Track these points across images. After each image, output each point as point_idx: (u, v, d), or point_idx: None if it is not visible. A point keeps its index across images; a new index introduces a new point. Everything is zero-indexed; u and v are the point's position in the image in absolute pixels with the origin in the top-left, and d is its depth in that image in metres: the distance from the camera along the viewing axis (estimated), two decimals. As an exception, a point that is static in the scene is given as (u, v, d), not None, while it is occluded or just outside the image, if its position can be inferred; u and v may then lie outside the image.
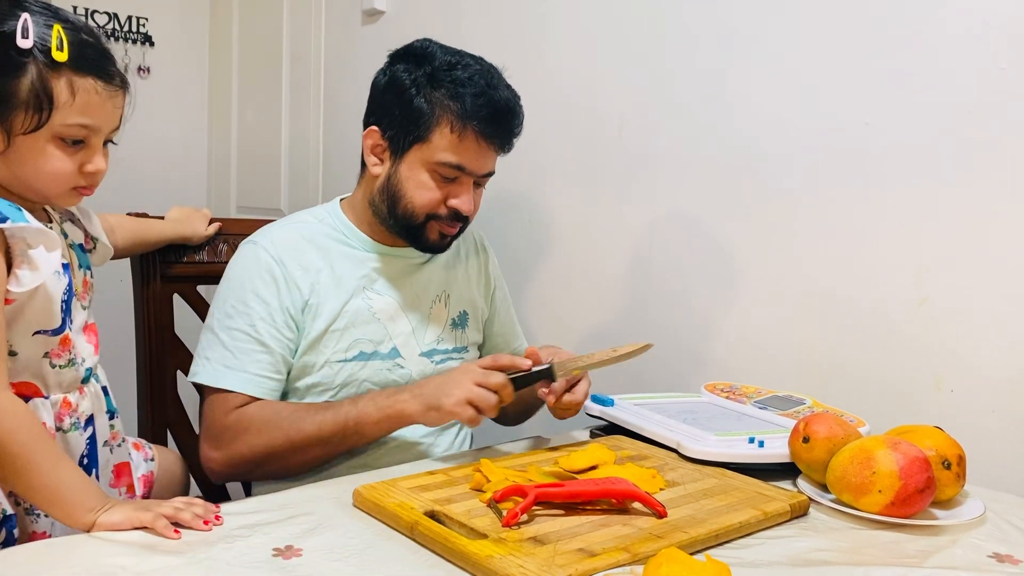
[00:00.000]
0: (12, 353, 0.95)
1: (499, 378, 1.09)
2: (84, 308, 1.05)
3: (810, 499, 1.00)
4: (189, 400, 1.46)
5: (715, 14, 1.50)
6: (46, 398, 0.99)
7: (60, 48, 0.89)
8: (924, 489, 0.93)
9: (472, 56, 1.25)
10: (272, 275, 1.21)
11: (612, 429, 1.28)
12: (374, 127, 1.25)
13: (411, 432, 1.26)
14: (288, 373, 1.23)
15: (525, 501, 0.87)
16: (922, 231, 1.26)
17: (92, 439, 1.05)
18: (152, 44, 2.81)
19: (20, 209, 0.92)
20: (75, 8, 2.62)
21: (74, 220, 1.10)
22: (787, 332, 1.42)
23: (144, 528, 0.84)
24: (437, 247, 1.30)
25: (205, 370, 1.19)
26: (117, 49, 2.72)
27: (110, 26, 2.70)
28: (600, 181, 1.69)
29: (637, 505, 0.92)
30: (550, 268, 1.80)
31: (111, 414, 1.09)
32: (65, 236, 1.04)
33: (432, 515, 0.87)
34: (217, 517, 0.87)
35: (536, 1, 1.79)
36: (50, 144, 0.92)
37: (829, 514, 0.98)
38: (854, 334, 1.34)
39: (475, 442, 1.43)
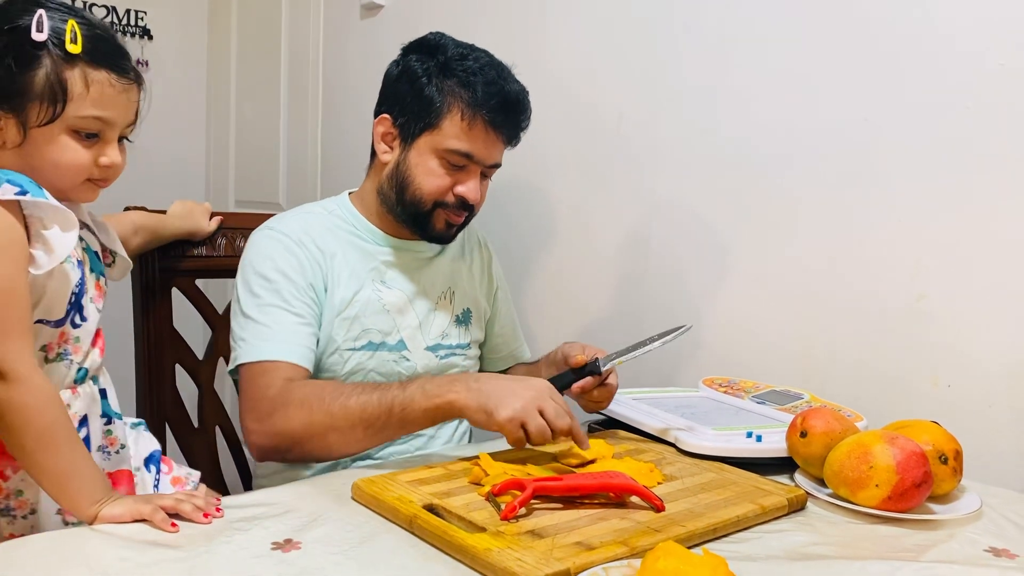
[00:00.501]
0: None
1: (564, 418, 1.04)
2: (99, 311, 1.04)
3: (807, 493, 1.00)
4: (187, 394, 1.46)
5: (714, 9, 1.50)
6: None
7: (74, 41, 0.91)
8: (921, 484, 0.93)
9: (482, 50, 1.28)
10: (293, 254, 1.22)
11: (610, 423, 1.28)
12: (385, 115, 1.28)
13: None
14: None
15: (523, 495, 0.87)
16: (920, 227, 1.26)
17: (86, 441, 1.03)
18: (151, 38, 2.81)
19: (40, 187, 0.93)
20: (72, 2, 2.62)
21: (90, 229, 1.09)
22: (785, 327, 1.43)
23: (144, 520, 0.84)
24: (443, 237, 1.31)
25: (243, 350, 1.17)
26: (115, 42, 2.72)
27: (108, 19, 2.70)
28: (599, 174, 1.69)
29: (635, 499, 0.92)
30: (548, 262, 1.80)
31: (108, 418, 1.07)
32: (81, 240, 1.04)
33: (431, 508, 0.87)
34: (218, 509, 0.88)
35: (535, -5, 1.79)
36: (65, 136, 0.93)
37: (826, 508, 0.98)
38: (852, 329, 1.34)
39: (474, 437, 1.43)
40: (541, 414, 1.02)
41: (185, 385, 1.45)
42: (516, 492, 0.89)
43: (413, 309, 1.31)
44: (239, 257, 1.46)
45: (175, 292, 1.43)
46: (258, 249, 1.24)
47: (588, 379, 1.18)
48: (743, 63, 1.46)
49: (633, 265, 1.65)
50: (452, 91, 1.22)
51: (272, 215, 1.34)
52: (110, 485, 0.92)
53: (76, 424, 1.01)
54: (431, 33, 1.30)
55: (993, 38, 1.18)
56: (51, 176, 0.95)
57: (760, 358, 1.46)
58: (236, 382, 1.21)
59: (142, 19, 2.79)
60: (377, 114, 1.30)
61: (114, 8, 2.72)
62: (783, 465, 1.09)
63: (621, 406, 1.27)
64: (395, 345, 1.29)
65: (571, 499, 0.91)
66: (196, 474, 1.18)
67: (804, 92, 1.39)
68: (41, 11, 0.91)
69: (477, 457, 1.01)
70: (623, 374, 1.55)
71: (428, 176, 1.24)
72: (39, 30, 0.90)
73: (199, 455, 1.44)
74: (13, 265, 0.89)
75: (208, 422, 1.47)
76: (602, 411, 1.27)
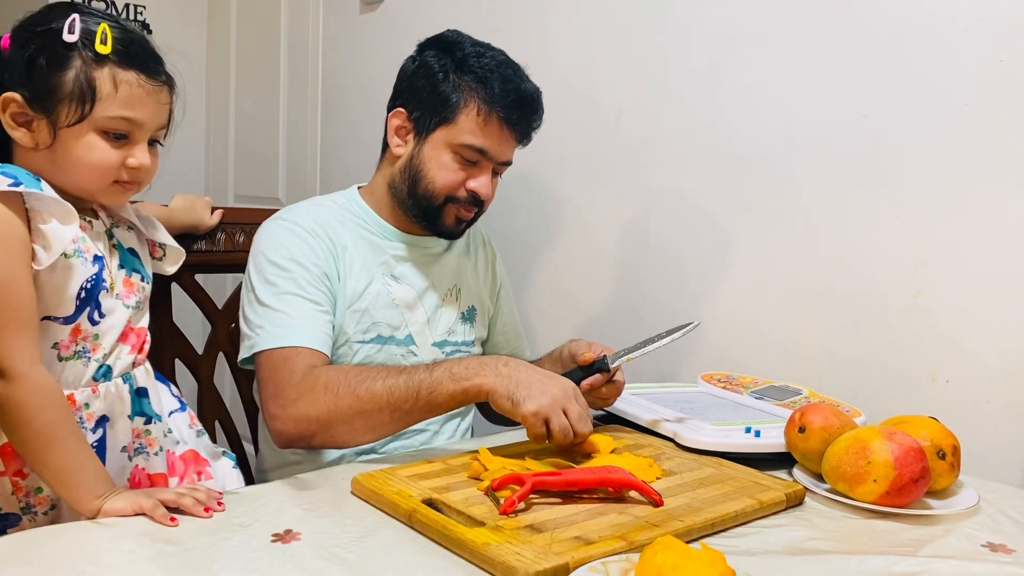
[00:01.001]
0: None
1: (587, 422, 1.06)
2: (127, 307, 1.03)
3: (806, 488, 1.00)
4: (187, 389, 1.46)
5: (714, 5, 1.50)
6: None
7: (104, 42, 0.92)
8: (919, 479, 0.93)
9: (498, 48, 1.29)
10: (307, 243, 1.23)
11: (609, 419, 1.28)
12: (400, 109, 1.29)
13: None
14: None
15: (522, 489, 0.87)
16: (918, 223, 1.27)
17: (100, 442, 1.01)
18: (149, 32, 2.80)
19: (38, 179, 0.93)
20: (107, 8, 2.62)
21: (134, 227, 1.10)
22: (784, 323, 1.43)
23: (144, 514, 0.85)
24: (452, 232, 1.32)
25: (262, 338, 1.16)
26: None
27: (107, 14, 2.69)
28: (599, 170, 1.69)
29: (634, 494, 0.92)
30: (547, 258, 1.80)
31: (148, 418, 1.06)
32: (110, 237, 1.04)
33: (430, 503, 0.87)
34: (219, 503, 0.88)
35: (535, -9, 1.79)
36: (93, 135, 0.94)
37: (824, 503, 0.98)
38: (851, 325, 1.34)
39: (476, 433, 1.43)
40: (565, 414, 1.03)
41: (185, 380, 1.45)
42: (515, 487, 0.89)
43: (422, 305, 1.32)
44: (238, 252, 1.47)
45: (174, 287, 1.43)
46: (271, 238, 1.24)
47: (597, 376, 1.18)
48: (743, 59, 1.46)
49: (633, 261, 1.65)
50: (469, 87, 1.23)
51: (272, 210, 1.35)
52: (111, 479, 0.92)
53: (93, 424, 1.00)
54: (448, 30, 1.31)
55: (993, 34, 1.18)
56: (79, 177, 0.96)
57: (759, 354, 1.47)
58: (248, 371, 1.21)
59: (141, 13, 2.79)
60: (391, 108, 1.31)
61: (112, 2, 2.71)
62: (781, 460, 1.09)
63: (620, 401, 1.27)
64: (403, 340, 1.29)
65: (570, 494, 0.92)
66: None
67: (804, 88, 1.39)
68: (75, 15, 0.93)
69: (476, 452, 1.01)
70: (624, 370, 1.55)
71: (441, 170, 1.25)
72: (71, 32, 0.92)
73: (199, 450, 1.44)
74: (10, 258, 0.89)
75: (208, 417, 1.47)
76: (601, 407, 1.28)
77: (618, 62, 1.65)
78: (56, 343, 0.96)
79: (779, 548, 0.85)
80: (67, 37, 0.92)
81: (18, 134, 0.94)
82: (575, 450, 1.08)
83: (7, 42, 0.95)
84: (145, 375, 1.07)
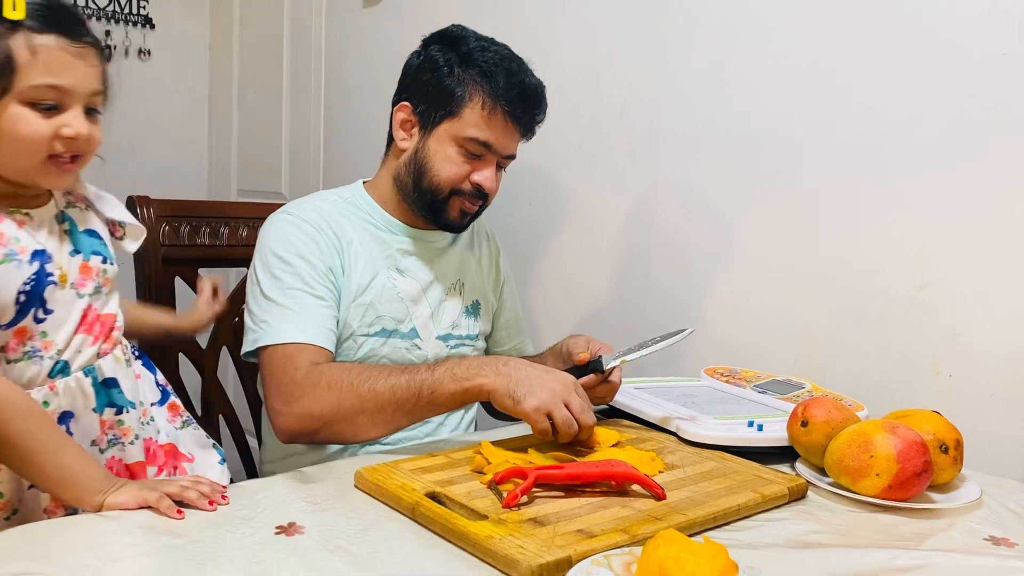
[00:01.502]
0: None
1: (590, 413, 1.07)
2: (83, 296, 0.98)
3: (808, 482, 1.00)
4: (190, 382, 1.46)
5: (717, -2, 1.50)
6: None
7: (14, 8, 0.86)
8: (921, 473, 0.93)
9: (502, 43, 1.30)
10: (312, 238, 1.23)
11: (612, 412, 1.29)
12: (405, 103, 1.29)
13: None
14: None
15: (525, 483, 0.87)
16: (921, 217, 1.27)
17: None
18: (152, 26, 2.80)
19: None
20: None
21: (91, 207, 1.04)
22: (787, 316, 1.43)
23: (150, 507, 0.85)
24: (457, 225, 1.32)
25: (268, 333, 1.17)
26: (117, 31, 2.72)
27: (110, 8, 2.70)
28: (601, 162, 1.69)
29: (636, 487, 0.93)
30: (551, 250, 1.80)
31: (118, 408, 1.01)
32: (64, 220, 0.99)
33: (433, 496, 0.88)
34: (223, 496, 0.87)
35: (538, -16, 1.79)
36: (18, 107, 0.88)
37: (827, 497, 0.98)
38: (854, 319, 1.34)
39: (480, 426, 1.43)
40: (567, 407, 1.04)
41: (189, 374, 1.45)
42: (518, 480, 0.89)
43: (426, 298, 1.32)
44: (242, 246, 1.47)
45: (178, 281, 1.44)
46: (277, 233, 1.24)
47: (591, 376, 1.18)
48: (746, 52, 1.46)
49: (636, 254, 1.65)
50: (473, 81, 1.24)
51: (275, 204, 1.35)
52: (107, 472, 0.90)
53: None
54: (452, 25, 1.32)
55: (997, 28, 1.18)
56: (11, 156, 0.90)
57: (762, 348, 1.47)
58: (251, 364, 1.22)
59: (144, 8, 2.78)
60: (396, 102, 1.31)
61: (116, -2, 2.72)
62: (784, 454, 1.09)
63: (623, 395, 1.27)
64: (407, 333, 1.30)
65: (572, 487, 0.92)
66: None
67: (807, 81, 1.38)
68: None
69: (479, 445, 1.01)
70: (624, 366, 1.55)
71: (446, 163, 1.26)
72: None
73: (202, 443, 1.45)
74: None
75: (212, 411, 1.48)
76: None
77: (621, 55, 1.65)
78: (2, 347, 0.92)
79: (781, 542, 0.85)
80: None
81: None
82: (578, 444, 1.09)
83: None
84: (114, 364, 1.01)
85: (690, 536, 0.73)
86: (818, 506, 0.96)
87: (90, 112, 0.93)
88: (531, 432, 1.10)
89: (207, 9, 2.94)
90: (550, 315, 1.81)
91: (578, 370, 1.19)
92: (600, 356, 1.20)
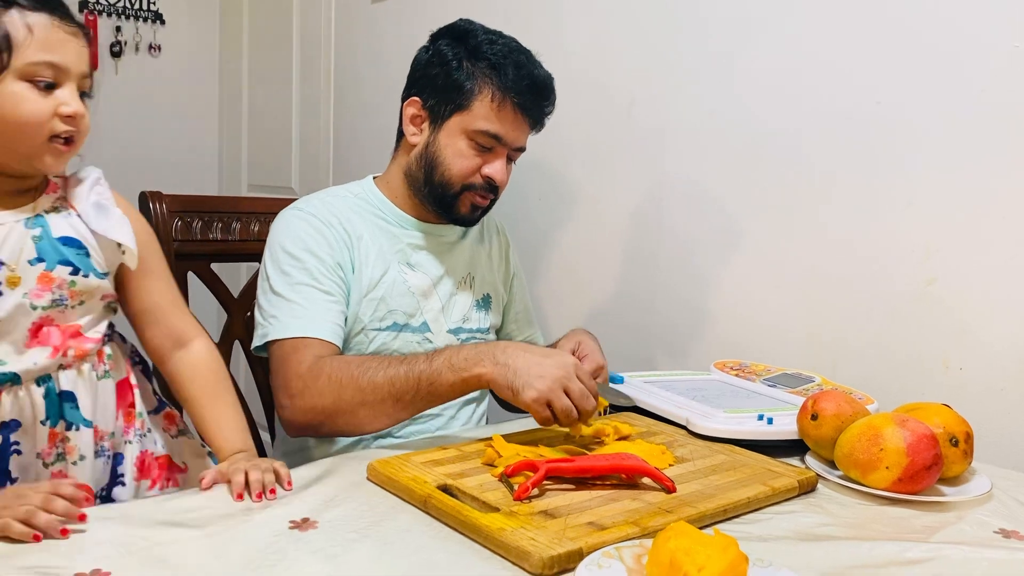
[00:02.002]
0: None
1: (590, 399, 1.04)
2: (35, 308, 0.93)
3: (818, 475, 1.01)
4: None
5: (727, -9, 1.49)
6: None
7: None
8: (931, 466, 0.94)
9: (510, 36, 1.30)
10: (322, 234, 1.24)
11: (622, 407, 1.29)
12: (415, 97, 1.30)
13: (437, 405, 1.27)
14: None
15: (536, 476, 0.88)
16: (931, 211, 1.26)
17: (4, 447, 0.94)
18: (163, 22, 2.82)
19: None
20: None
21: (81, 216, 0.98)
22: (797, 310, 1.43)
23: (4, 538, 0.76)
24: (468, 219, 1.33)
25: (275, 327, 1.18)
26: (128, 27, 2.74)
27: (120, 4, 2.71)
28: (609, 157, 1.70)
29: (647, 480, 0.93)
30: (560, 245, 1.81)
31: (72, 425, 0.97)
32: (36, 226, 0.94)
33: (445, 489, 0.88)
34: (88, 499, 0.80)
35: (547, -22, 1.79)
36: (17, 84, 0.87)
37: (837, 490, 0.99)
38: (864, 313, 1.34)
39: (490, 420, 1.44)
40: (567, 393, 1.03)
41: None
42: (529, 473, 0.90)
43: (436, 293, 1.33)
44: (253, 241, 1.48)
45: (191, 276, 1.45)
46: (287, 228, 1.25)
47: None
48: (756, 47, 1.46)
49: (645, 249, 1.65)
50: (483, 74, 1.24)
51: (286, 199, 1.36)
52: None
53: None
54: (460, 19, 1.32)
55: (1008, 21, 1.18)
56: (12, 137, 0.88)
57: (771, 342, 1.47)
58: (262, 358, 1.23)
59: (154, 4, 2.79)
60: (406, 97, 1.32)
61: (128, -9, 2.73)
62: (794, 448, 1.10)
63: (633, 389, 1.28)
64: (419, 327, 1.31)
65: (583, 480, 0.93)
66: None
67: (816, 76, 1.38)
68: None
69: (490, 439, 1.02)
70: (633, 358, 1.56)
71: (457, 157, 1.26)
72: None
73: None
74: None
75: (224, 404, 1.48)
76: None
77: (630, 51, 1.65)
78: None
79: (791, 534, 0.86)
80: None
81: None
82: (587, 437, 1.09)
83: None
84: (75, 378, 0.97)
85: (700, 529, 0.74)
86: (828, 499, 0.97)
87: (82, 96, 0.92)
88: (539, 427, 1.10)
89: (217, 5, 2.95)
90: (559, 310, 1.81)
91: None
92: None
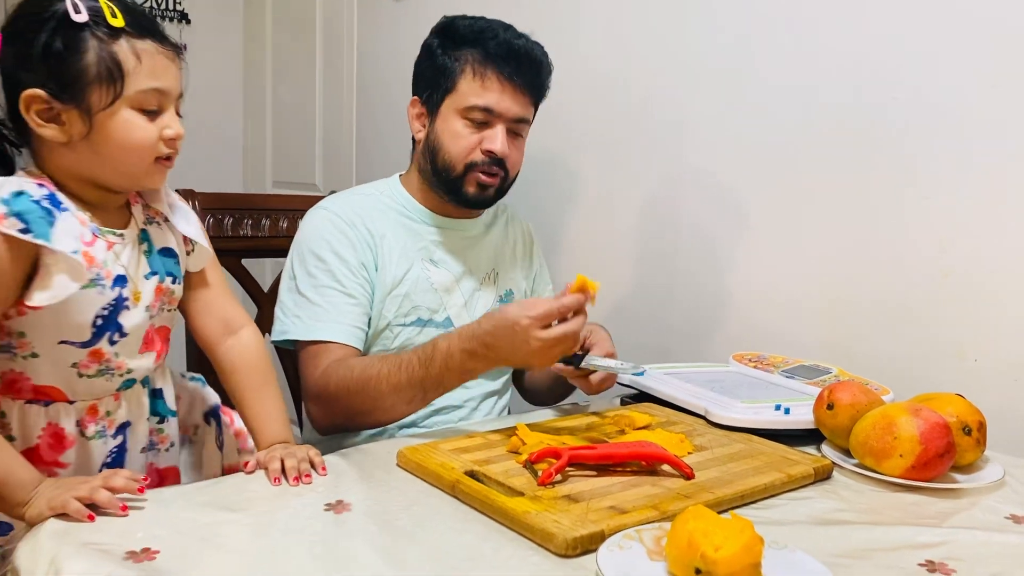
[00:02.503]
0: (34, 355, 0.94)
1: (565, 341, 1.06)
2: (152, 316, 1.00)
3: (833, 463, 1.03)
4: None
5: (745, -11, 1.52)
6: (71, 403, 0.98)
7: (114, 15, 0.89)
8: (944, 454, 0.96)
9: (494, 19, 1.33)
10: (345, 235, 1.28)
11: (642, 397, 1.32)
12: (415, 96, 1.35)
13: (454, 398, 1.33)
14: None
15: (559, 462, 0.91)
16: (946, 204, 1.28)
17: (122, 447, 1.03)
18: (188, 22, 2.86)
19: (51, 224, 0.89)
20: None
21: (167, 222, 1.05)
22: (814, 303, 1.45)
23: (62, 515, 0.81)
24: (478, 200, 1.33)
25: (297, 328, 1.24)
26: (154, 27, 2.78)
27: (147, 4, 2.76)
28: (627, 151, 1.72)
29: (666, 467, 0.96)
30: (576, 238, 1.84)
31: (161, 418, 1.07)
32: (143, 241, 1.00)
33: (472, 474, 0.92)
34: (140, 490, 0.84)
35: (567, -23, 1.82)
36: (128, 112, 0.91)
37: (852, 478, 1.01)
38: (880, 306, 1.37)
39: (512, 411, 1.47)
40: (550, 343, 1.04)
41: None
42: (552, 460, 0.93)
43: (459, 288, 1.36)
44: (282, 237, 1.52)
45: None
46: (313, 229, 1.30)
47: (564, 366, 1.19)
48: (771, 41, 1.48)
49: (663, 242, 1.68)
50: (464, 54, 1.28)
51: (312, 196, 1.40)
52: (31, 481, 0.86)
53: (114, 430, 1.02)
54: (443, 16, 1.36)
55: (1022, 13, 1.19)
56: (122, 161, 0.93)
57: (789, 333, 1.49)
58: (289, 353, 1.29)
59: (179, 3, 2.84)
60: (411, 100, 1.36)
61: (154, -9, 2.78)
62: (810, 437, 1.12)
63: (653, 380, 1.31)
64: (442, 322, 1.34)
65: (604, 467, 0.96)
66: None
67: (830, 69, 1.40)
68: None
69: (515, 427, 1.05)
70: (653, 350, 1.59)
71: (455, 139, 1.29)
72: (77, 12, 0.87)
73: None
74: None
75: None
76: (634, 386, 1.31)
77: (646, 46, 1.67)
78: (75, 363, 0.96)
79: (806, 519, 0.88)
80: (76, 17, 0.87)
81: (48, 131, 0.89)
82: (608, 427, 1.12)
83: None
84: (161, 375, 1.08)
85: (718, 513, 0.77)
86: (843, 486, 0.99)
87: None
88: (564, 416, 1.14)
89: (241, 4, 2.99)
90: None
91: (563, 359, 1.18)
92: (579, 353, 1.19)
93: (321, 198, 1.37)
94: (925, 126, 1.30)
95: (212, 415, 1.18)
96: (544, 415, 1.24)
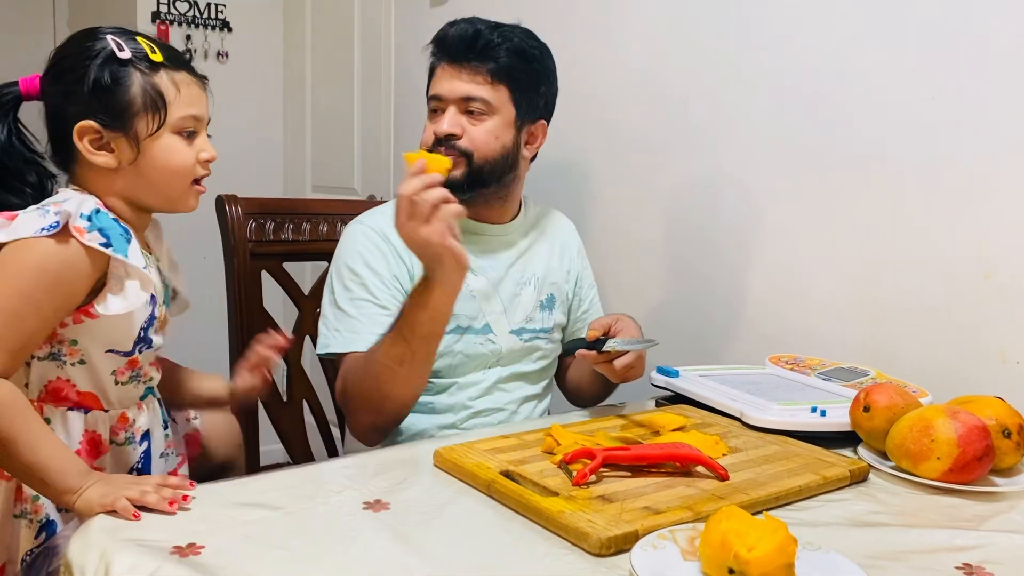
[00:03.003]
0: (82, 362, 1.01)
1: (432, 199, 1.10)
2: (163, 339, 1.10)
3: (870, 465, 1.03)
4: (276, 371, 1.55)
5: (780, -10, 1.51)
6: (105, 411, 1.05)
7: (154, 51, 0.99)
8: (982, 457, 0.95)
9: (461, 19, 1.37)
10: (379, 248, 1.31)
11: (677, 399, 1.32)
12: None
13: (495, 401, 1.36)
14: None
15: (593, 463, 0.92)
16: (988, 205, 1.27)
17: (147, 453, 1.09)
18: (230, 30, 2.92)
19: (128, 241, 0.98)
20: None
21: (168, 264, 1.15)
22: (854, 305, 1.44)
23: (111, 512, 0.85)
24: (448, 183, 1.31)
25: (337, 340, 1.29)
26: (197, 35, 2.85)
27: (190, 13, 2.82)
28: (665, 151, 1.72)
29: (700, 468, 0.97)
30: (612, 241, 1.84)
31: (165, 424, 1.15)
32: (158, 271, 1.09)
33: (507, 474, 0.93)
34: (184, 498, 0.87)
35: (602, -19, 1.82)
36: (171, 137, 1.00)
37: (888, 480, 1.01)
38: (921, 308, 1.35)
39: (551, 412, 1.48)
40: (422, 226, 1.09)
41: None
42: (586, 460, 0.94)
43: (498, 295, 1.38)
44: (322, 241, 1.55)
45: (264, 275, 1.52)
46: (349, 243, 1.34)
47: (587, 351, 1.21)
48: (809, 42, 1.47)
49: (699, 242, 1.68)
50: (431, 56, 1.36)
51: (351, 200, 1.42)
52: (83, 471, 0.91)
53: (139, 438, 1.08)
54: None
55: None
56: (165, 185, 1.02)
57: (828, 335, 1.48)
58: (323, 364, 1.31)
59: (221, 12, 2.90)
60: None
61: (195, 2, 2.83)
62: (847, 440, 1.12)
63: (688, 382, 1.31)
64: (481, 329, 1.36)
65: (639, 468, 0.96)
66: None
67: (872, 69, 1.39)
68: (111, 35, 0.98)
69: (549, 428, 1.07)
70: (688, 352, 1.59)
71: (424, 133, 1.35)
72: (121, 50, 0.97)
73: (288, 428, 1.54)
74: (47, 298, 0.93)
75: (296, 397, 1.56)
76: (669, 388, 1.31)
77: (684, 46, 1.67)
78: (114, 371, 1.04)
79: (841, 520, 0.88)
80: (121, 55, 0.97)
81: (101, 159, 0.98)
82: (642, 428, 1.13)
83: (37, 83, 1.00)
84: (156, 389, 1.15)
85: (753, 515, 0.77)
86: (879, 488, 0.99)
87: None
88: (597, 418, 1.15)
89: (281, 12, 3.04)
90: (620, 303, 1.84)
91: (586, 345, 1.21)
92: (600, 338, 1.20)
93: (359, 202, 1.40)
94: (966, 127, 1.28)
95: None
96: (578, 416, 1.25)
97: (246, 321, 1.50)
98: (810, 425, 1.13)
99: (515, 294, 1.40)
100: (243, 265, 1.49)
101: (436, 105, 1.33)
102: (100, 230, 0.95)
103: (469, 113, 1.31)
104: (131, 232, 1.00)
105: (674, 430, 1.13)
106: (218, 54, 2.90)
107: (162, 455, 1.13)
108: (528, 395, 1.41)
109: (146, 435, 1.09)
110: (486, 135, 1.31)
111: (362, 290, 1.29)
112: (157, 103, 0.98)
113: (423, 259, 1.13)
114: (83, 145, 0.97)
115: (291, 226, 1.53)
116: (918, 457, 0.97)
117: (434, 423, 1.34)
